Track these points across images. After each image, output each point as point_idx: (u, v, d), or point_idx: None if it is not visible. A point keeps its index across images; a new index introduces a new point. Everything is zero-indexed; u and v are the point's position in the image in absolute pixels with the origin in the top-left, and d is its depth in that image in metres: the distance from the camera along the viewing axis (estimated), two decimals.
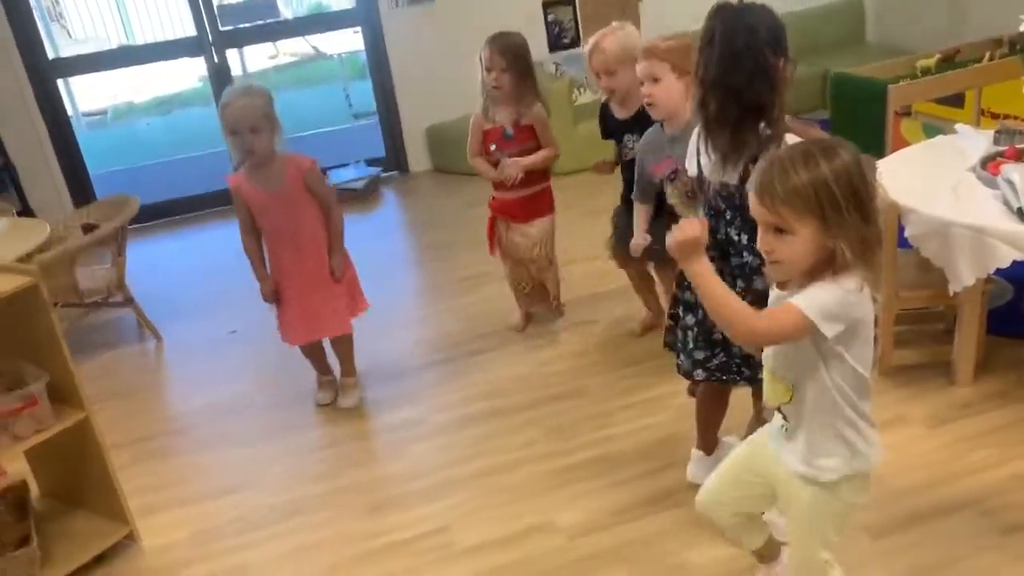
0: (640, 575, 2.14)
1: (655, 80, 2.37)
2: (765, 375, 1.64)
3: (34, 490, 2.62)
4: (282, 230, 2.87)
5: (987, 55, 4.29)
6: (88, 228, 4.03)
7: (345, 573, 2.31)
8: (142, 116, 9.72)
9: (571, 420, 2.83)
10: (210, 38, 5.31)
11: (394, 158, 5.84)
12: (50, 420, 2.27)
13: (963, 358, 2.62)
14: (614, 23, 2.88)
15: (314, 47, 11.52)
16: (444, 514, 2.48)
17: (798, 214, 1.41)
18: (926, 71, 4.31)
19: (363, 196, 5.44)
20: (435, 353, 3.43)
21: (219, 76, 5.44)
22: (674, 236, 1.49)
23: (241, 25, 5.74)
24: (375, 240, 4.73)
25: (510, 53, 3.03)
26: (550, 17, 5.73)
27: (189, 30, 5.31)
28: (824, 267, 1.45)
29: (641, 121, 2.67)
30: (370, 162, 5.76)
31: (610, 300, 3.56)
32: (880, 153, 4.01)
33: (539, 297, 3.47)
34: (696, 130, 2.05)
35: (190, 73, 10.38)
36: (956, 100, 4.31)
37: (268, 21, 7.42)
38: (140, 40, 11.66)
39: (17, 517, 2.46)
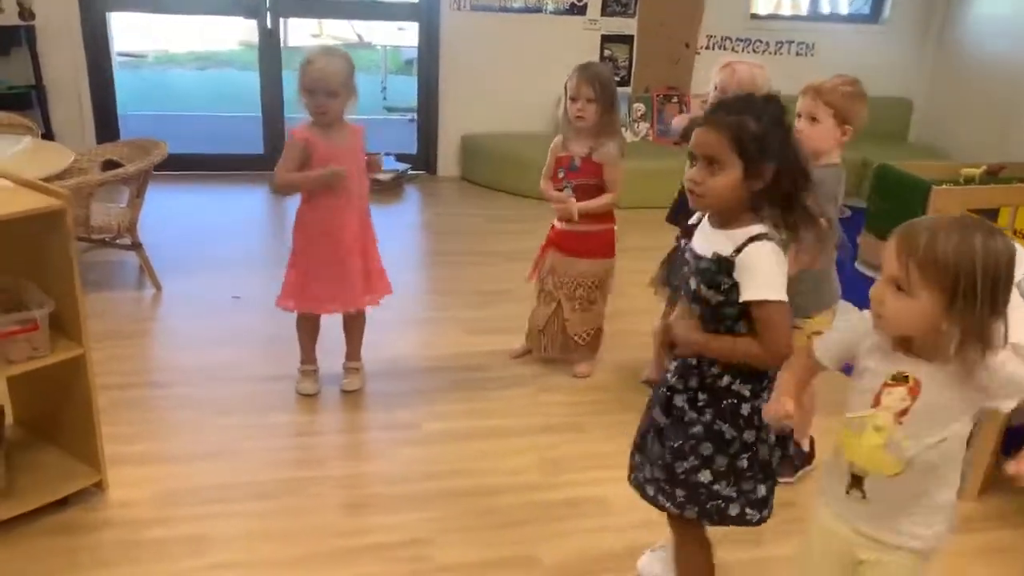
0: None
1: (813, 119, 2.33)
2: (870, 446, 1.50)
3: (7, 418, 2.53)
4: (344, 184, 2.78)
5: None
6: (109, 165, 3.96)
7: (312, 567, 2.22)
8: (176, 67, 9.66)
9: (564, 455, 2.76)
10: (267, 3, 5.26)
11: (424, 158, 5.79)
12: (46, 349, 2.19)
13: (972, 473, 2.57)
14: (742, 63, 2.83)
15: (358, 35, 11.52)
16: (424, 525, 2.39)
17: (926, 281, 1.34)
18: (969, 180, 4.31)
19: (388, 189, 5.38)
20: (437, 360, 3.35)
21: (269, 41, 5.39)
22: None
23: None
24: (394, 235, 4.65)
25: (598, 83, 2.94)
26: (607, 52, 5.72)
27: None
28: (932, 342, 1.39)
29: None
30: (399, 158, 5.72)
31: (624, 338, 3.49)
32: None
33: (557, 344, 3.28)
34: None
35: (230, 35, 10.37)
36: (990, 215, 4.31)
37: None
38: None
39: None
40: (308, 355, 3.09)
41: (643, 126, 5.73)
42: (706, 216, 1.82)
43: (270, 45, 5.40)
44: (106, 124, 5.25)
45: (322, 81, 2.65)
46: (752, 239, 1.69)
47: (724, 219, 1.75)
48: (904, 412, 1.45)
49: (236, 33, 10.48)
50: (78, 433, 2.41)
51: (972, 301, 1.32)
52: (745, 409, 1.79)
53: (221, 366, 3.21)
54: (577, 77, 2.97)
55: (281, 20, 5.63)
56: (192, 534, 2.31)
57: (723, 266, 1.71)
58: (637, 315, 3.50)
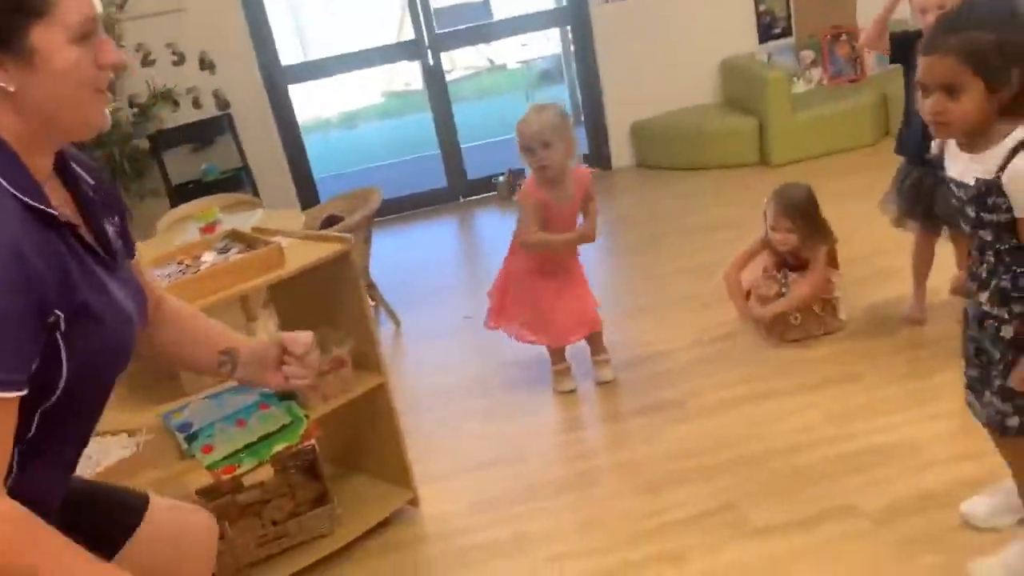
0: (960, 561, 1.97)
1: None
2: None
3: None
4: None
5: None
6: (330, 220, 4.24)
7: (638, 545, 2.27)
8: (335, 129, 10.25)
9: (850, 405, 2.68)
10: (426, 41, 5.51)
11: (597, 155, 5.82)
12: (353, 382, 2.38)
13: None
14: None
15: (489, 59, 11.82)
16: (729, 493, 2.40)
17: None
18: None
19: None
20: (681, 339, 3.34)
21: (433, 78, 5.64)
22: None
23: (456, 27, 5.90)
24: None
25: (797, 214, 3.08)
26: (761, 7, 5.56)
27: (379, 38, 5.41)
28: None
29: None
30: None
31: (871, 280, 3.37)
32: None
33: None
34: None
35: (371, 90, 10.90)
36: None
37: (481, 23, 7.63)
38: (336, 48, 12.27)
39: (309, 478, 2.59)
40: (558, 356, 3.19)
41: (815, 71, 5.52)
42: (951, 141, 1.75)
43: (435, 81, 5.64)
44: (306, 189, 5.65)
45: (535, 136, 2.79)
46: (1013, 152, 1.61)
47: (973, 141, 1.68)
48: None
49: (377, 87, 11.04)
50: (384, 457, 2.59)
51: None
52: (1007, 331, 1.74)
53: (477, 381, 3.36)
54: (773, 208, 3.10)
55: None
56: (514, 534, 2.42)
57: (992, 189, 1.66)
58: (879, 255, 3.37)
